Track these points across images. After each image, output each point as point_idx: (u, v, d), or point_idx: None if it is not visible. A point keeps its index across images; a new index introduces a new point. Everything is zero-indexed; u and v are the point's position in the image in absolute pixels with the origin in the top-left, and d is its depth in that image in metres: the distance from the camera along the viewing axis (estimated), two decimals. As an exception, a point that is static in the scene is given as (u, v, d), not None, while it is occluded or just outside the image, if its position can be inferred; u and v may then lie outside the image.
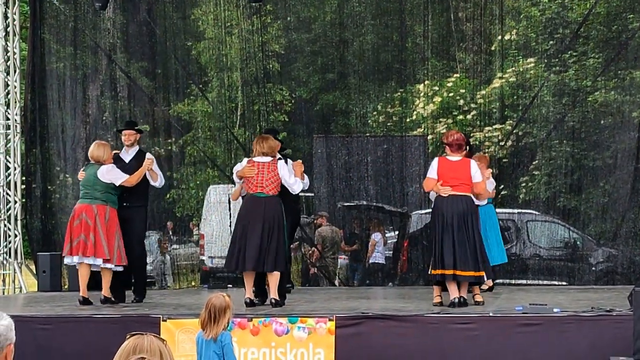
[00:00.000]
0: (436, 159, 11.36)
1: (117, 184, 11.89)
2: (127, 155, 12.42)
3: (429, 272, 11.38)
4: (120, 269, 11.98)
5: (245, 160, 11.75)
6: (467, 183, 11.02)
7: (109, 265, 11.81)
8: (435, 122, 18.47)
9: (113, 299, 12.04)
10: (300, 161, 12.11)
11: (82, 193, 12.06)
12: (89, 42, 17.50)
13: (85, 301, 11.80)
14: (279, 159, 11.75)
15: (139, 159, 12.35)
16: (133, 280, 12.81)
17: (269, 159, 11.48)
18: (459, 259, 10.81)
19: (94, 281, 12.25)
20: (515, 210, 16.66)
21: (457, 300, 10.83)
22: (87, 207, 11.84)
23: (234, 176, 11.91)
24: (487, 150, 16.83)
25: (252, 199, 11.41)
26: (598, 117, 17.02)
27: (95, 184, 11.87)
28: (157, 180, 12.49)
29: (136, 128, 12.78)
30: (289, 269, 12.97)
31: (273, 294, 11.28)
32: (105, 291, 11.95)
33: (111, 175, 11.91)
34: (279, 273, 11.38)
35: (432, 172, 11.16)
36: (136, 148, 12.56)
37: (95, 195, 11.86)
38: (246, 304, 11.13)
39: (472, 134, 17.10)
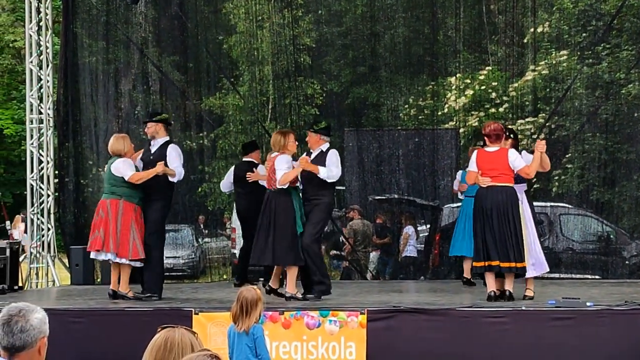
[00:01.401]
0: (475, 151, 11.38)
1: (126, 179, 11.85)
2: (153, 146, 12.32)
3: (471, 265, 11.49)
4: (137, 264, 11.89)
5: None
6: (506, 173, 10.95)
7: (123, 260, 11.76)
8: (467, 115, 18.41)
9: (129, 295, 11.90)
10: (304, 156, 11.98)
11: (104, 188, 12.16)
12: (121, 36, 17.58)
13: (114, 295, 11.81)
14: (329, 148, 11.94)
15: (162, 150, 12.20)
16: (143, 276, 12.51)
17: (275, 154, 11.64)
18: (500, 251, 10.77)
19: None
20: (548, 204, 16.57)
21: (493, 293, 10.80)
22: (103, 202, 11.88)
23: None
24: (519, 143, 16.74)
25: (266, 194, 11.82)
26: (632, 110, 16.90)
27: (110, 178, 11.87)
28: (175, 177, 12.37)
29: (155, 119, 12.63)
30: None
31: (288, 288, 11.51)
32: (122, 286, 11.87)
33: (121, 169, 11.84)
34: (295, 267, 11.50)
35: (472, 164, 11.20)
36: (164, 139, 12.29)
37: (110, 190, 11.86)
38: (266, 291, 11.36)
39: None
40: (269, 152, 13.27)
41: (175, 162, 12.15)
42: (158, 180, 11.99)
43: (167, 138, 12.40)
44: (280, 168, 11.46)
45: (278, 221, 11.42)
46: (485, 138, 11.21)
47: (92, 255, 12.12)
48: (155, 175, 11.88)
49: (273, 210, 11.45)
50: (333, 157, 11.69)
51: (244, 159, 14.14)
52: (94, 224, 11.90)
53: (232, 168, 14.37)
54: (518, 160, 10.98)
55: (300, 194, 11.78)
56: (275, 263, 11.61)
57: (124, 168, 11.83)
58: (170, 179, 12.18)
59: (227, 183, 14.27)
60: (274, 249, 11.39)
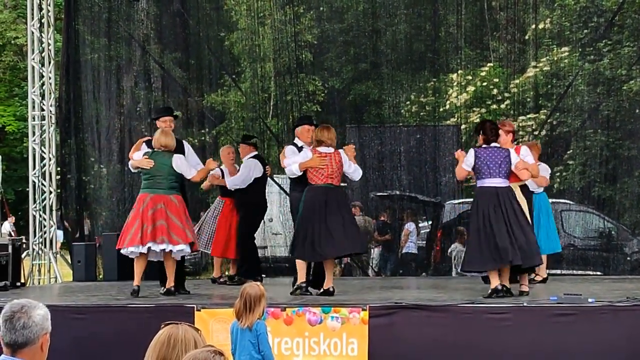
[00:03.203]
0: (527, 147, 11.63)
1: (187, 177, 11.84)
2: None
3: None
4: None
5: (308, 150, 11.70)
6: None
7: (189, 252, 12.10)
8: (469, 111, 18.41)
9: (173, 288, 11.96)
10: (352, 145, 12.09)
11: (152, 182, 11.74)
12: (122, 33, 17.58)
13: (138, 291, 11.64)
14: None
15: (177, 147, 12.26)
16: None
17: (332, 149, 11.53)
18: None
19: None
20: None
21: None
22: (163, 198, 11.63)
23: (296, 167, 11.54)
24: (521, 140, 16.77)
25: (323, 189, 11.42)
26: (633, 106, 16.92)
27: (170, 174, 11.70)
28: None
29: (174, 114, 12.72)
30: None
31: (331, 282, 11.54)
32: (171, 282, 11.83)
33: (184, 167, 11.79)
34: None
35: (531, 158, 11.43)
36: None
37: (171, 185, 11.72)
38: (300, 289, 11.44)
39: (506, 124, 17.04)
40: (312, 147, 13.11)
41: (196, 159, 12.46)
42: (182, 179, 12.07)
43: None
44: (352, 162, 11.65)
45: (350, 214, 11.84)
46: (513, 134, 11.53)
47: (148, 246, 11.59)
48: (180, 173, 11.94)
49: (346, 204, 11.74)
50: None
51: (257, 153, 14.07)
52: (151, 216, 11.56)
53: (256, 163, 13.88)
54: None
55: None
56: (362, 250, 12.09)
57: (188, 166, 11.87)
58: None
59: (249, 178, 13.74)
60: (356, 238, 11.65)
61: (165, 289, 11.81)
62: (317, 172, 11.39)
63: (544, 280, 13.22)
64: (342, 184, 15.55)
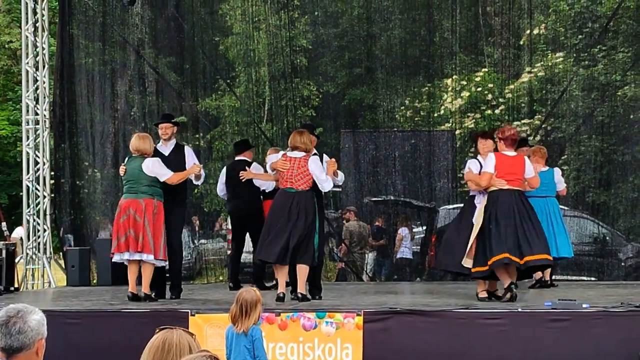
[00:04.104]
0: (493, 154, 11.19)
1: (161, 180, 11.66)
2: (166, 148, 12.25)
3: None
4: (162, 263, 11.81)
5: (281, 153, 11.77)
6: (520, 178, 11.10)
7: (157, 262, 11.60)
8: (463, 116, 18.43)
9: (153, 295, 11.85)
10: (334, 159, 12.03)
11: (127, 187, 11.68)
12: (117, 37, 17.57)
13: (134, 297, 11.50)
14: (314, 154, 11.71)
15: (177, 152, 12.22)
16: (169, 276, 12.52)
17: (301, 154, 11.47)
18: (525, 245, 10.89)
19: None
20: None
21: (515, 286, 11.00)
22: (134, 202, 11.54)
23: (267, 166, 11.96)
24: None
25: (283, 193, 11.44)
26: (627, 112, 16.95)
27: (141, 178, 11.58)
28: (200, 179, 12.51)
29: (173, 121, 12.67)
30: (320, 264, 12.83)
31: (300, 288, 11.33)
32: (146, 287, 11.64)
33: (156, 169, 11.62)
34: (307, 267, 11.38)
35: (490, 166, 11.06)
36: (174, 141, 12.40)
37: (141, 190, 11.58)
38: (277, 299, 11.17)
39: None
40: (275, 150, 13.13)
41: (198, 164, 12.36)
42: (183, 182, 12.06)
43: (175, 140, 12.48)
44: (322, 170, 11.47)
45: (307, 221, 11.30)
46: (502, 142, 11.18)
47: (127, 256, 11.56)
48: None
49: (302, 210, 11.30)
50: None
51: (237, 158, 14.08)
52: (122, 223, 11.52)
53: (224, 168, 14.29)
54: (531, 169, 11.35)
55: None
56: (306, 263, 11.37)
57: (160, 168, 11.69)
58: (195, 182, 12.52)
59: (221, 185, 14.12)
60: (299, 249, 11.29)
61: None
62: (280, 175, 11.53)
63: (548, 285, 13.29)
64: (337, 189, 15.54)
